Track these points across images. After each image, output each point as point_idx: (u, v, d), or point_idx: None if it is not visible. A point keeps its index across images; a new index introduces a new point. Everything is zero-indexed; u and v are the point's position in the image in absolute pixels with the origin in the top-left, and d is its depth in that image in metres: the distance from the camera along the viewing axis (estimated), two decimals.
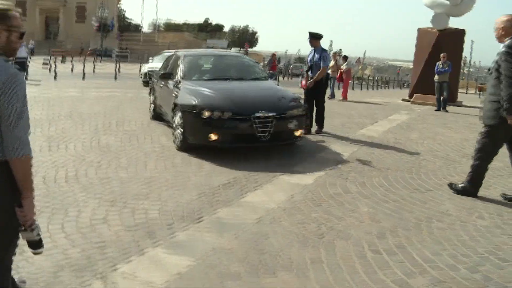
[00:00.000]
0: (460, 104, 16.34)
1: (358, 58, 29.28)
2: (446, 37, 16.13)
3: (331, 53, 16.63)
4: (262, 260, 3.28)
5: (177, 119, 6.44)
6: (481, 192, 5.00)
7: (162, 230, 3.73)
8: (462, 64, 37.94)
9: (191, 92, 6.47)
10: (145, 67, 18.53)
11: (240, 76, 7.77)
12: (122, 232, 3.64)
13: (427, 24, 16.93)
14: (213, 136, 5.89)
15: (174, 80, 7.25)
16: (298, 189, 4.99)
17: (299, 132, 6.61)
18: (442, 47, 15.13)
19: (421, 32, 17.00)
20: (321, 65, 8.38)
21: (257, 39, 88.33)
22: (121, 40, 61.84)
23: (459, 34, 16.59)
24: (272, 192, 4.84)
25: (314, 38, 8.63)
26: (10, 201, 2.07)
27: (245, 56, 9.48)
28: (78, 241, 3.44)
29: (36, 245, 2.14)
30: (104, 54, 45.57)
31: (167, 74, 7.63)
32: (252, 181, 5.14)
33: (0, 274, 2.16)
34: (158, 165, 5.65)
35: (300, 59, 73.95)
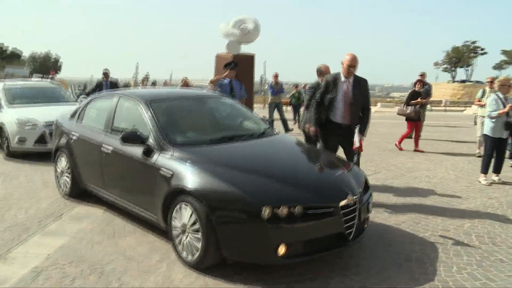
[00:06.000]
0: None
1: (165, 80, 30.57)
2: (240, 61, 19.16)
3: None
4: (115, 231, 4.89)
5: (186, 219, 3.95)
6: None
7: (34, 225, 5.03)
8: (260, 81, 43.26)
9: (210, 171, 3.98)
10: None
11: (243, 133, 5.24)
12: (3, 230, 4.86)
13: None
14: (282, 249, 3.62)
15: (144, 147, 4.52)
16: None
17: (369, 215, 4.60)
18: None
19: (219, 58, 19.80)
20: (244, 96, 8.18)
21: (60, 65, 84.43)
22: None
23: (250, 58, 19.83)
24: None
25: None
26: None
27: (219, 94, 6.62)
28: None
29: None
30: None
31: (129, 136, 4.59)
32: None
33: None
34: None
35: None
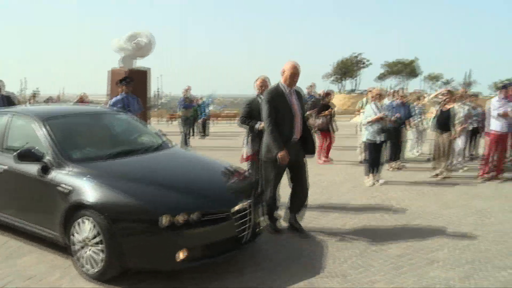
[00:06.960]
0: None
1: (51, 96, 28.25)
2: (134, 75, 19.00)
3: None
4: (11, 252, 4.75)
5: (87, 232, 4.01)
6: None
7: None
8: (155, 96, 42.63)
9: (108, 184, 4.11)
10: None
11: (139, 147, 5.41)
12: None
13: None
14: (181, 255, 3.84)
15: (41, 165, 4.49)
16: None
17: (263, 220, 5.03)
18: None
19: (113, 72, 19.53)
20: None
21: None
22: None
23: (143, 73, 19.77)
24: None
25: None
26: None
27: (115, 110, 6.62)
28: None
29: None
30: None
31: (25, 154, 4.50)
32: None
33: None
34: None
35: None
